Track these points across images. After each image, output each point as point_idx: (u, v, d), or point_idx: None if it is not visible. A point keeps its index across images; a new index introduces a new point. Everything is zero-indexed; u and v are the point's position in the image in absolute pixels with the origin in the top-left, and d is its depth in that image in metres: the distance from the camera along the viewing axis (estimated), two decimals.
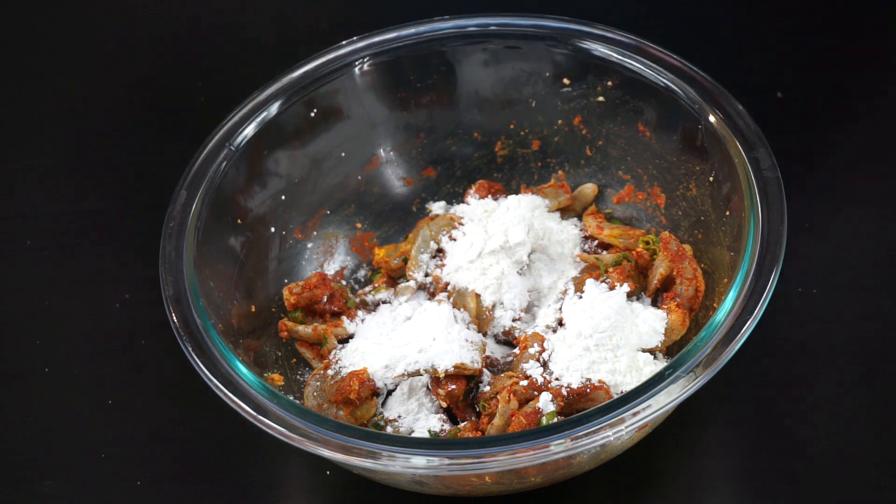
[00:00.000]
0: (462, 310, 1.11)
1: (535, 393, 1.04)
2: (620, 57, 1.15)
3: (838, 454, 1.07)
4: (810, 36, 1.16)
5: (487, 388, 1.07)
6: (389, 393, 1.10)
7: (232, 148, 1.13)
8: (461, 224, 1.17)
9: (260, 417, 0.97)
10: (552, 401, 1.03)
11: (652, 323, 1.08)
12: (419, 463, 0.94)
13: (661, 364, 1.07)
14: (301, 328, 1.13)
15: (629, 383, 1.04)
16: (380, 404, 1.09)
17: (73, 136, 1.38)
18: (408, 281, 1.16)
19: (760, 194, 1.05)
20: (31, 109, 1.41)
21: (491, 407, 1.05)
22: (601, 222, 1.17)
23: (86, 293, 1.23)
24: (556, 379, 1.05)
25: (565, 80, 1.19)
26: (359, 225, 1.22)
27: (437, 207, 1.22)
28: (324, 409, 1.06)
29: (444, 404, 1.08)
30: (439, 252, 1.17)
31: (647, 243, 1.14)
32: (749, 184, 1.05)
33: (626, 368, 1.05)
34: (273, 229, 1.17)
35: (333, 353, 1.11)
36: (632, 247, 1.15)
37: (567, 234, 1.17)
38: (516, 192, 1.21)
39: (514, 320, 1.13)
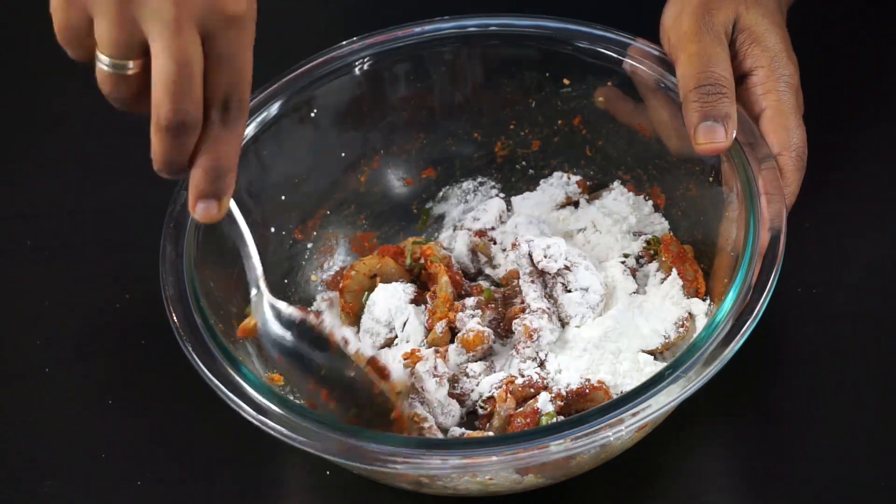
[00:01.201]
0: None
1: (532, 391, 1.04)
2: (620, 57, 1.15)
3: (838, 454, 1.07)
4: (810, 36, 1.16)
5: (485, 391, 1.07)
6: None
7: None
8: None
9: (260, 417, 0.97)
10: (551, 401, 1.03)
11: (654, 325, 1.08)
12: (419, 463, 0.94)
13: (661, 365, 1.07)
14: None
15: (629, 384, 1.04)
16: None
17: (73, 136, 1.38)
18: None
19: (761, 196, 1.05)
20: (31, 109, 1.41)
21: (489, 407, 1.05)
22: None
23: (86, 293, 1.23)
24: (554, 379, 1.05)
25: (565, 81, 1.19)
26: (360, 223, 1.22)
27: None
28: None
29: None
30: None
31: (648, 243, 1.14)
32: (749, 184, 1.05)
33: (626, 370, 1.05)
34: (273, 229, 1.17)
35: None
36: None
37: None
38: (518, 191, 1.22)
39: None
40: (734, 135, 1.06)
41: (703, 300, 1.10)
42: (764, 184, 1.05)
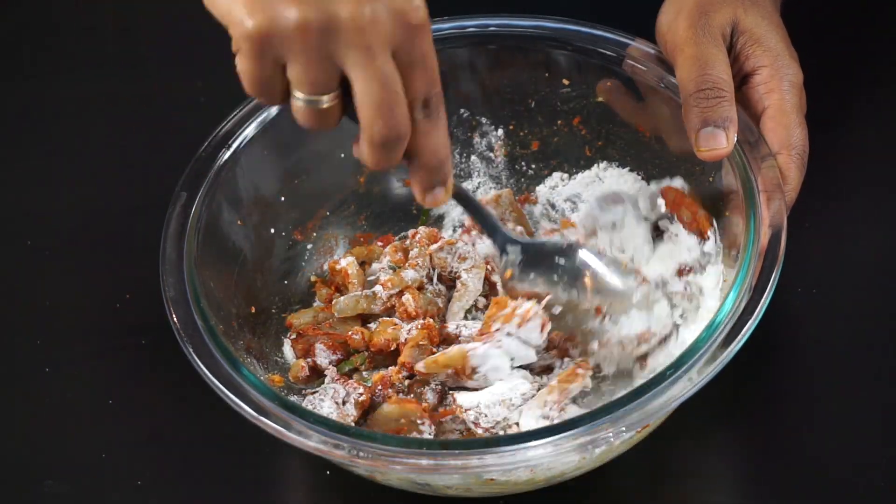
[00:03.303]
0: None
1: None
2: (620, 57, 1.15)
3: (838, 454, 1.07)
4: (810, 36, 1.16)
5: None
6: None
7: (232, 148, 1.13)
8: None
9: (260, 417, 0.97)
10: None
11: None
12: (420, 464, 0.94)
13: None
14: None
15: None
16: None
17: (73, 136, 1.38)
18: None
19: (760, 194, 1.05)
20: (32, 109, 1.41)
21: None
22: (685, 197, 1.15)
23: (86, 293, 1.23)
24: None
25: (565, 81, 1.19)
26: (360, 223, 1.22)
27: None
28: None
29: None
30: None
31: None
32: (749, 184, 1.05)
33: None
34: (273, 230, 1.17)
35: None
36: None
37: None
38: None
39: None
40: (735, 139, 1.06)
41: (705, 239, 1.10)
42: (763, 182, 1.05)
